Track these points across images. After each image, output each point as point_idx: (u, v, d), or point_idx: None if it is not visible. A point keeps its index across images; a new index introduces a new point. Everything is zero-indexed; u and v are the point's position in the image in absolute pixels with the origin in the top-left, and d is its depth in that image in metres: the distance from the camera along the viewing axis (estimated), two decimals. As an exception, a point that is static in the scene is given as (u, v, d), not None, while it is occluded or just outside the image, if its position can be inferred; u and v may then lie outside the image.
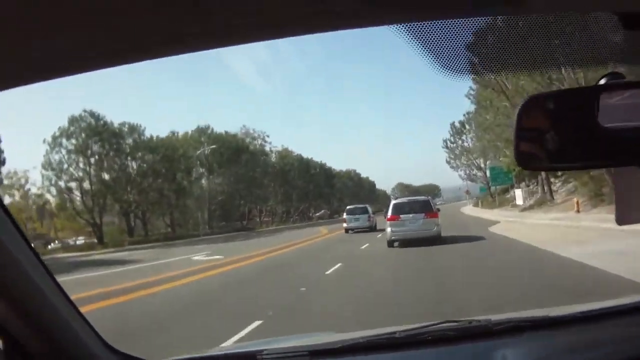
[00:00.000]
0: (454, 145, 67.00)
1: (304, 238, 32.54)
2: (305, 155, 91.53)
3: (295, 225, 69.88)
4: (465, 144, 65.96)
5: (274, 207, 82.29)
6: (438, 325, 1.60)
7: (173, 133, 60.76)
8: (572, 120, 1.00)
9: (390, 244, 19.25)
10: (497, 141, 38.94)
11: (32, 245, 1.24)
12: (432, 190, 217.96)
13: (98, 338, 1.46)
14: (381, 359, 1.50)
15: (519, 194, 45.95)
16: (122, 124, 51.06)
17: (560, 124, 1.00)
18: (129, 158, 50.74)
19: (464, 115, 66.56)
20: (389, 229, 19.62)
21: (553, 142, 0.99)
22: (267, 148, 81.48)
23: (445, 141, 67.78)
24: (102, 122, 48.17)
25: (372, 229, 33.00)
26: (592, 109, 0.97)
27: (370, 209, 35.90)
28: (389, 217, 19.90)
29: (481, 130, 49.35)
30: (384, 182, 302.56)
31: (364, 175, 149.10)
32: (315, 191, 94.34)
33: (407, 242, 18.49)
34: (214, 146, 61.00)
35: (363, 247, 21.66)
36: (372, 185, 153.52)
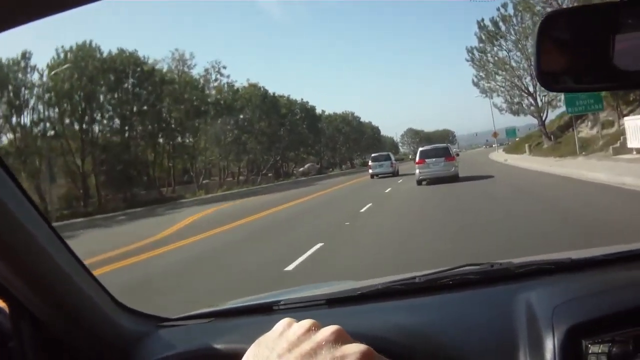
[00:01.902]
0: (484, 56, 41.84)
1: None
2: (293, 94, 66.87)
3: (252, 190, 46.67)
4: (503, 53, 40.86)
5: (220, 163, 58.31)
6: (459, 269, 1.55)
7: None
8: (598, 37, 0.94)
9: (419, 182, 23.08)
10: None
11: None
12: (446, 136, 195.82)
13: (107, 295, 1.40)
14: (401, 305, 1.45)
15: (634, 126, 21.58)
16: None
17: (585, 41, 0.96)
18: None
19: (499, 9, 41.21)
20: (417, 171, 23.51)
21: (578, 60, 0.96)
22: (223, 82, 57.40)
23: (470, 51, 42.61)
24: None
25: (395, 174, 36.51)
26: (619, 25, 0.93)
27: (392, 156, 40.48)
28: (417, 161, 23.90)
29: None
30: (391, 128, 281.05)
31: (365, 119, 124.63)
32: (292, 138, 70.17)
33: (433, 181, 22.08)
34: (67, 65, 36.81)
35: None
36: (375, 131, 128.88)
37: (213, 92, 56.06)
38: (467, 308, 1.34)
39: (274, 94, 64.23)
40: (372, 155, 40.59)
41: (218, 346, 1.29)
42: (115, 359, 1.35)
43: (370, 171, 37.53)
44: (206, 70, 57.02)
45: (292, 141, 70.46)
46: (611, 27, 0.91)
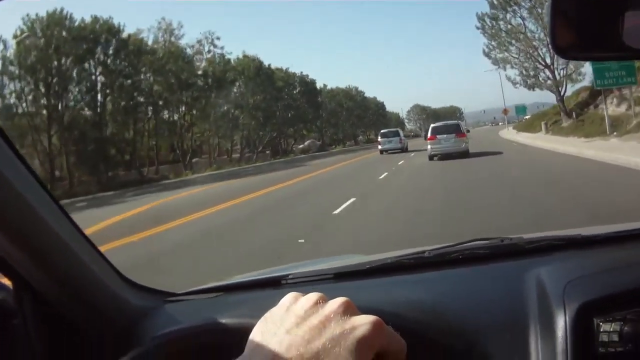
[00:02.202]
0: (496, 24, 37.47)
1: None
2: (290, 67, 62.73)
3: (243, 169, 43.57)
4: (517, 20, 36.49)
5: (211, 140, 54.58)
6: (469, 244, 1.53)
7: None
8: (608, 11, 0.93)
9: (431, 157, 23.53)
10: None
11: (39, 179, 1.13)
12: (453, 113, 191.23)
13: (113, 270, 1.39)
14: (410, 279, 1.44)
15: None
16: None
17: (596, 15, 0.94)
18: None
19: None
20: (429, 147, 24.10)
21: (589, 34, 0.95)
22: (217, 53, 53.27)
23: (481, 18, 38.17)
24: None
25: (404, 150, 36.71)
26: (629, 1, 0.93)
27: (401, 133, 40.56)
28: (428, 137, 24.35)
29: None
30: (396, 104, 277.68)
31: (369, 94, 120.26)
32: (290, 114, 66.33)
33: (444, 157, 22.56)
34: (26, 34, 33.16)
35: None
36: (380, 106, 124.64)
37: (205, 64, 52.18)
38: (476, 283, 1.33)
39: (269, 65, 60.03)
40: (381, 131, 41.07)
41: (225, 320, 1.25)
42: (120, 334, 1.33)
43: (380, 147, 37.89)
44: (199, 41, 53.17)
45: (290, 116, 66.63)
46: (621, 2, 0.91)
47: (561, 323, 1.05)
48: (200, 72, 48.12)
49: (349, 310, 0.56)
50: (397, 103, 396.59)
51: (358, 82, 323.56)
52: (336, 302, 0.57)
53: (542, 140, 27.40)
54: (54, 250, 1.16)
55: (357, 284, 1.45)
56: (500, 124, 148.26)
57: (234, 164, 55.22)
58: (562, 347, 1.03)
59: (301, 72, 73.97)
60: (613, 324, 1.02)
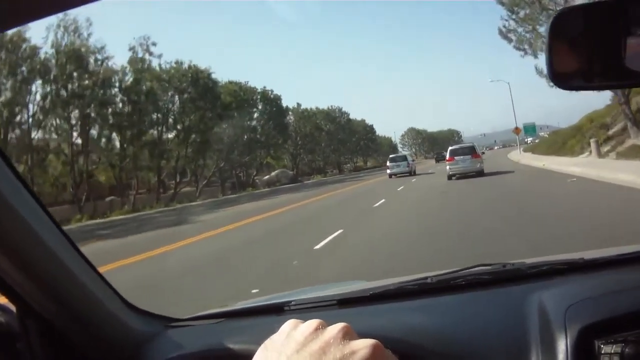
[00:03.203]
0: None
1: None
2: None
3: (149, 216, 32.45)
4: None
5: (137, 173, 40.93)
6: (471, 270, 1.56)
7: None
8: (610, 37, 0.92)
9: (449, 177, 25.06)
10: None
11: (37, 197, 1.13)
12: (451, 137, 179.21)
13: (117, 295, 1.40)
14: (413, 306, 1.46)
15: None
16: None
17: (598, 41, 0.94)
18: None
19: None
20: (447, 167, 25.81)
21: (590, 60, 0.95)
22: (153, 63, 40.73)
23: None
24: None
25: (412, 173, 38.67)
26: (631, 25, 0.92)
27: (409, 157, 42.90)
28: (447, 158, 26.26)
29: None
30: (388, 127, 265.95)
31: (356, 117, 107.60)
32: (244, 137, 53.04)
33: (462, 176, 24.40)
34: None
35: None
36: (368, 130, 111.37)
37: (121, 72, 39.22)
38: (479, 308, 1.33)
39: (209, 75, 46.50)
40: (390, 156, 43.63)
41: (227, 347, 1.28)
42: (124, 359, 1.33)
43: (388, 171, 39.80)
44: (132, 48, 40.57)
45: (246, 140, 53.34)
46: (623, 27, 0.90)
47: (562, 346, 1.05)
48: (94, 79, 34.67)
49: (348, 335, 0.56)
50: (389, 126, 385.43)
51: (343, 103, 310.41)
52: (335, 328, 0.57)
53: (624, 173, 13.97)
54: (57, 274, 1.14)
55: (360, 310, 1.44)
56: (496, 148, 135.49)
57: (164, 202, 41.90)
58: None
59: (264, 87, 60.72)
60: (614, 346, 1.02)
